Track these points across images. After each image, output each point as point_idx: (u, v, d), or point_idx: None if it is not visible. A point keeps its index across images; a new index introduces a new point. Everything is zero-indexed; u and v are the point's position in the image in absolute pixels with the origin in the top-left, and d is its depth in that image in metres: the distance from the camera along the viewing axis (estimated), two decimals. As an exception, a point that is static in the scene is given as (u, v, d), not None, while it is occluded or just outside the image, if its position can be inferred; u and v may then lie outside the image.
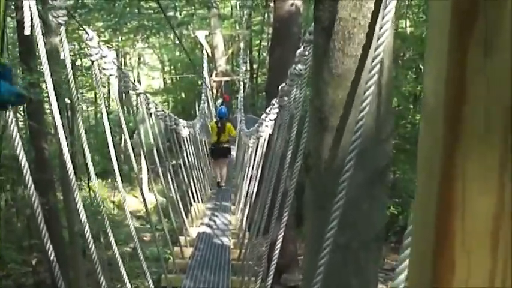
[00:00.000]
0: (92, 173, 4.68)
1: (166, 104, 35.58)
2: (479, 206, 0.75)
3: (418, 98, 19.42)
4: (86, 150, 4.44)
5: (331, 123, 2.10)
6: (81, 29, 4.52)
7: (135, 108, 13.64)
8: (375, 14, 1.93)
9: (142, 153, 14.15)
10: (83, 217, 3.93)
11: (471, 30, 0.71)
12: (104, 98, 5.32)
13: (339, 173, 1.96)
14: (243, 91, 27.65)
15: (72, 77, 4.17)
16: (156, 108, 8.48)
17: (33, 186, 2.91)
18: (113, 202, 19.68)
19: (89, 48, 4.47)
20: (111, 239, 4.75)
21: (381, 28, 1.81)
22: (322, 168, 2.17)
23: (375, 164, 2.15)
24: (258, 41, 35.84)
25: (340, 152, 2.07)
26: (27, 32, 3.08)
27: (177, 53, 37.12)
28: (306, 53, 3.21)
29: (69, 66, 4.03)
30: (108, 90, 22.47)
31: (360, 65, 1.99)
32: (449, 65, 0.73)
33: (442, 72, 0.74)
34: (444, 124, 0.75)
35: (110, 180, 21.00)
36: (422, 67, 18.27)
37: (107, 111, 5.12)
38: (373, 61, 1.82)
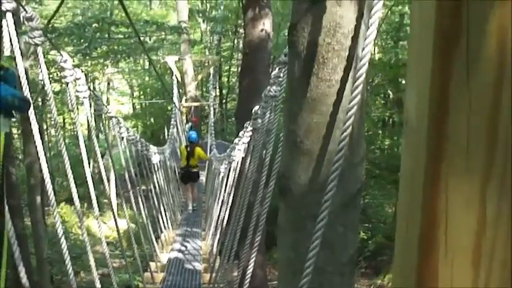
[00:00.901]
0: (76, 198, 4.62)
1: (135, 129, 35.41)
2: (462, 221, 0.76)
3: (387, 123, 19.62)
4: (70, 175, 4.41)
5: (306, 147, 2.11)
6: (53, 52, 4.51)
7: (106, 132, 13.54)
8: (355, 38, 1.96)
9: (112, 177, 14.05)
10: (63, 242, 3.91)
11: (454, 50, 0.73)
12: (77, 121, 5.24)
13: (315, 195, 1.97)
14: (213, 116, 27.68)
15: (52, 97, 4.15)
16: (127, 132, 8.43)
17: (8, 213, 2.86)
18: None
19: (62, 71, 4.46)
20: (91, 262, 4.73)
21: (362, 50, 1.82)
22: (298, 190, 2.18)
23: (349, 188, 2.17)
24: (228, 67, 36.04)
25: (317, 174, 2.08)
26: (7, 53, 3.07)
27: (147, 78, 37.05)
28: (281, 74, 3.22)
29: (48, 86, 4.01)
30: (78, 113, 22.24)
31: (340, 88, 2.01)
32: (432, 83, 0.75)
33: (425, 90, 0.76)
34: (427, 140, 0.77)
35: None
36: (390, 93, 18.50)
37: (78, 135, 5.09)
38: (354, 83, 1.82)
